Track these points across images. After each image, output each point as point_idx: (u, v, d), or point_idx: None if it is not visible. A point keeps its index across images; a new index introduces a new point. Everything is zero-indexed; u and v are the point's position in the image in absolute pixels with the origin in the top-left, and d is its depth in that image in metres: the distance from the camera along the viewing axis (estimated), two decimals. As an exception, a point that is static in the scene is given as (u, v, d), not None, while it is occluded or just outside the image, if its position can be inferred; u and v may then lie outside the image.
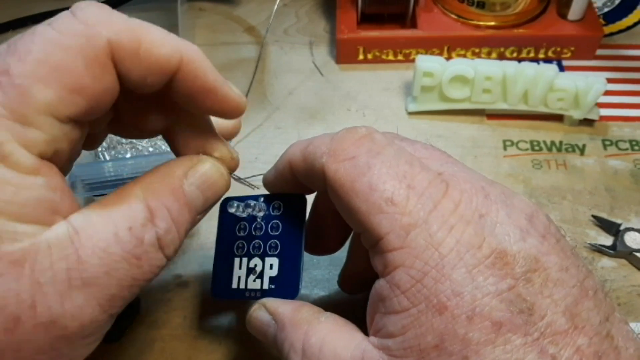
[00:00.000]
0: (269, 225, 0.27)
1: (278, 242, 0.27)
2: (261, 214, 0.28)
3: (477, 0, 0.46)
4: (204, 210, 0.24)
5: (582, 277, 0.20)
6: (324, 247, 0.31)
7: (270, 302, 0.25)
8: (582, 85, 0.40)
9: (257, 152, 0.42)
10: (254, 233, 0.28)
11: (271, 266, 0.27)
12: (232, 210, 0.27)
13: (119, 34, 0.20)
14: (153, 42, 0.20)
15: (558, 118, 0.43)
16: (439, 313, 0.19)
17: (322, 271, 0.35)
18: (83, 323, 0.19)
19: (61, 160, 0.21)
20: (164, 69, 0.21)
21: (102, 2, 0.22)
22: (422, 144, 0.24)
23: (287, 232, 0.27)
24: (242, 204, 0.27)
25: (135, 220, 0.21)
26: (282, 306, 0.25)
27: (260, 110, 0.45)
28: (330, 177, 0.22)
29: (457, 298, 0.19)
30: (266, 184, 0.28)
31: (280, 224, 0.27)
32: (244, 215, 0.28)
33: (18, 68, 0.18)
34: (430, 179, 0.21)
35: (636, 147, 0.42)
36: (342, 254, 0.31)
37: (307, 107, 0.45)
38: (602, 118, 0.43)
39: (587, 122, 0.43)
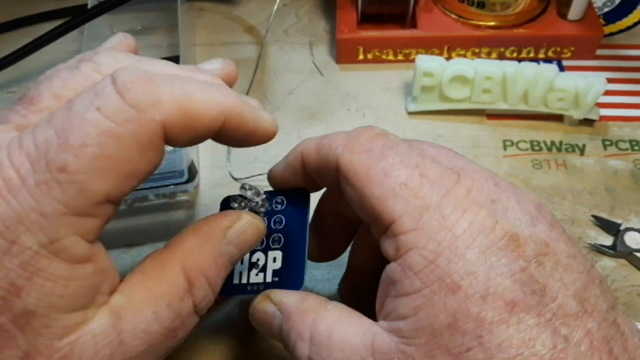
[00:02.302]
0: (272, 220, 0.27)
1: (282, 236, 0.27)
2: (263, 209, 0.27)
3: (477, 0, 0.46)
4: (237, 262, 0.25)
5: (589, 265, 0.20)
6: (325, 253, 0.31)
7: (275, 292, 0.25)
8: (582, 85, 0.40)
9: (257, 152, 0.42)
10: None
11: (274, 259, 0.26)
12: (234, 205, 0.27)
13: (170, 115, 0.20)
14: (200, 111, 0.21)
15: (558, 118, 0.43)
16: (452, 292, 0.19)
17: (322, 271, 0.35)
18: None
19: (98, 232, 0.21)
20: (210, 131, 0.22)
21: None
22: (431, 143, 0.24)
23: (291, 225, 0.27)
24: (245, 200, 0.27)
25: (174, 294, 0.22)
26: (287, 296, 0.24)
27: (260, 110, 0.45)
28: (345, 166, 0.23)
29: (471, 277, 0.19)
30: (273, 176, 0.28)
31: (283, 218, 0.27)
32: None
33: (75, 164, 0.18)
34: (442, 170, 0.22)
35: (636, 147, 0.42)
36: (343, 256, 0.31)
37: (307, 107, 0.45)
38: (602, 118, 0.43)
39: (587, 122, 0.43)
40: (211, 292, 0.24)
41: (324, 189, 0.29)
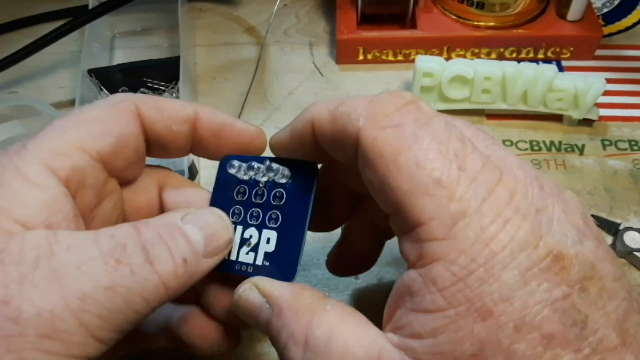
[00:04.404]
0: (272, 194, 0.24)
1: (279, 214, 0.24)
2: (265, 179, 0.25)
3: (476, 0, 0.46)
4: (210, 253, 0.22)
5: (629, 288, 0.18)
6: (323, 223, 0.28)
7: (264, 282, 0.22)
8: (581, 86, 0.40)
9: (257, 152, 0.42)
10: (254, 200, 0.25)
11: (268, 240, 0.24)
12: (232, 171, 0.24)
13: (139, 97, 0.24)
14: (167, 100, 0.24)
15: (557, 118, 0.43)
16: (481, 318, 0.17)
17: (322, 270, 0.35)
18: (41, 312, 0.17)
19: (85, 201, 0.22)
20: (184, 117, 0.24)
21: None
22: (463, 121, 0.21)
23: (291, 204, 0.24)
24: (245, 165, 0.24)
25: (118, 230, 0.20)
26: (278, 289, 0.22)
27: (260, 110, 0.45)
28: (367, 144, 0.19)
29: (506, 304, 0.17)
30: (276, 145, 0.25)
31: (284, 194, 0.24)
32: (245, 178, 0.25)
33: (60, 121, 0.22)
34: (483, 161, 0.18)
35: (635, 147, 0.42)
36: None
37: (307, 108, 0.45)
38: (602, 118, 0.43)
39: (587, 122, 0.43)
40: (167, 248, 0.20)
41: None
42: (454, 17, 0.48)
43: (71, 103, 0.45)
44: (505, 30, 0.47)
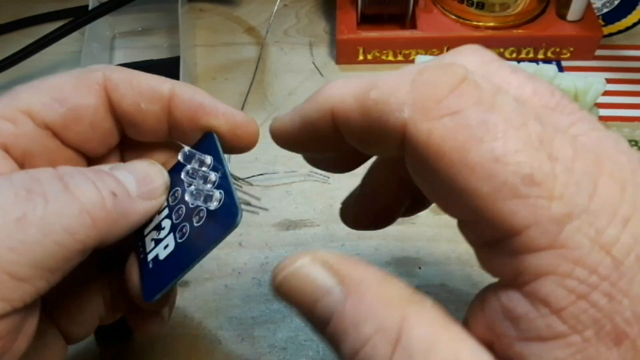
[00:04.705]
0: (197, 209, 0.22)
1: (188, 231, 0.22)
2: (200, 188, 0.22)
3: (476, 0, 0.46)
4: (145, 195, 0.21)
5: None
6: (370, 222, 0.25)
7: (334, 259, 0.17)
8: (581, 86, 0.40)
9: (257, 152, 0.42)
10: (186, 198, 0.22)
11: (166, 246, 0.22)
12: (180, 157, 0.22)
13: (112, 69, 0.22)
14: (146, 75, 0.22)
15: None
16: (614, 343, 0.14)
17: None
18: None
19: (35, 167, 0.20)
20: (156, 95, 0.22)
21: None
22: (513, 67, 0.17)
23: (202, 232, 0.21)
24: (195, 158, 0.22)
25: (36, 169, 0.19)
26: (355, 269, 0.16)
27: (260, 110, 0.45)
28: (421, 142, 0.15)
29: None
30: (279, 135, 0.21)
31: (205, 218, 0.21)
32: (190, 170, 0.22)
33: (20, 87, 0.21)
34: (573, 145, 0.15)
35: (635, 147, 0.42)
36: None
37: (307, 108, 0.46)
38: (601, 118, 0.43)
39: (587, 122, 0.43)
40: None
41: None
42: (454, 17, 0.48)
43: (71, 103, 0.45)
44: (505, 31, 0.47)
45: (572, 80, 0.40)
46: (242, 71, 0.48)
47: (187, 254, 0.21)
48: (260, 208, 0.28)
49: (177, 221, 0.22)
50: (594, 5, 0.50)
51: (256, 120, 0.23)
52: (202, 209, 0.21)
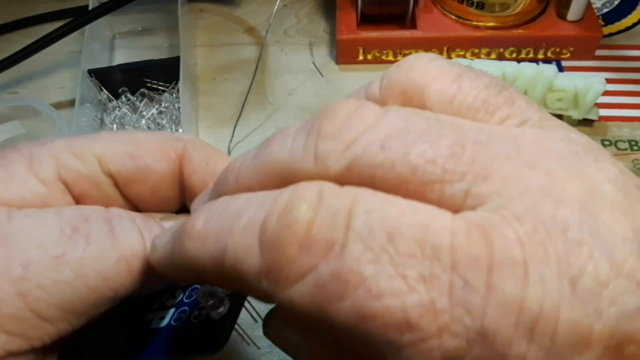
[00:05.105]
0: (196, 308, 0.21)
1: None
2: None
3: (476, 1, 0.46)
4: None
5: None
6: None
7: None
8: (581, 86, 0.40)
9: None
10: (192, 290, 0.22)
11: (162, 317, 0.21)
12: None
13: (197, 144, 0.21)
14: (223, 157, 0.22)
15: (557, 118, 0.43)
16: None
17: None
18: None
19: None
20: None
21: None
22: (440, 67, 0.16)
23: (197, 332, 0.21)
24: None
25: (88, 206, 0.19)
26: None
27: (260, 110, 0.45)
28: (288, 308, 0.13)
29: None
30: (159, 264, 0.18)
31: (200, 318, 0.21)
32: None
33: (104, 132, 0.21)
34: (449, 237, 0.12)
35: (635, 148, 0.42)
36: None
37: (307, 108, 0.46)
38: (601, 118, 0.43)
39: (586, 122, 0.43)
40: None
41: None
42: (453, 17, 0.48)
43: (71, 103, 0.45)
44: (505, 31, 0.47)
45: (572, 80, 0.40)
46: (242, 71, 0.48)
47: (165, 345, 0.20)
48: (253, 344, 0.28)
49: (187, 300, 0.22)
50: (594, 5, 0.50)
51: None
52: (204, 312, 0.21)
